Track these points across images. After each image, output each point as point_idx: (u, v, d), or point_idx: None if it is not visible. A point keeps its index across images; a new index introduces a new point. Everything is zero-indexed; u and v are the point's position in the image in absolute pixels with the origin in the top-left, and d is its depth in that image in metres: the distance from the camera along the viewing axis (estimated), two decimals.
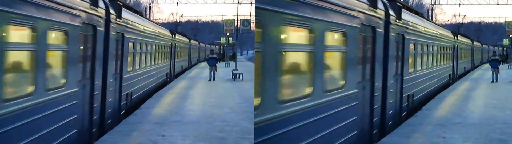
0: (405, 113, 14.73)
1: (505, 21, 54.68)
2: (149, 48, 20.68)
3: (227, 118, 14.63)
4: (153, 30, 22.34)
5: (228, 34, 47.88)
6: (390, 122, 12.49)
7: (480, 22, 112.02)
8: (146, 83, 20.21)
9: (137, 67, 17.91)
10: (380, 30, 11.20)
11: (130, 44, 16.35)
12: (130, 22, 16.19)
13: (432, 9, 43.00)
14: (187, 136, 11.84)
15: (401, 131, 12.71)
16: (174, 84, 27.42)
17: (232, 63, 44.04)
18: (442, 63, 23.02)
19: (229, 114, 15.36)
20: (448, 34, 27.06)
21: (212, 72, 30.35)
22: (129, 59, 16.28)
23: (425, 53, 18.22)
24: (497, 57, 31.17)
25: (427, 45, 18.46)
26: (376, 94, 10.99)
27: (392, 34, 12.29)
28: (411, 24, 15.12)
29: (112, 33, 12.68)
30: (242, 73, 31.16)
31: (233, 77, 31.10)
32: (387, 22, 11.80)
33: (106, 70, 12.11)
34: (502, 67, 31.66)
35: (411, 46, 15.39)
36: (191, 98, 19.97)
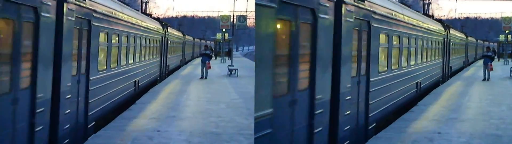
0: None
1: (502, 17, 54.33)
2: None
3: (223, 113, 14.62)
4: None
5: (224, 30, 47.80)
6: None
7: (476, 18, 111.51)
8: None
9: None
10: None
11: None
12: None
13: (429, 4, 42.82)
14: (183, 131, 11.85)
15: (396, 126, 12.72)
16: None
17: (228, 59, 44.07)
18: None
19: (225, 110, 15.35)
20: None
21: (204, 69, 28.86)
22: None
23: None
24: (490, 53, 29.06)
25: None
26: None
27: None
28: None
29: None
30: (237, 69, 31.09)
31: (229, 73, 31.06)
32: None
33: None
34: (497, 64, 30.32)
35: None
36: (187, 94, 19.95)
